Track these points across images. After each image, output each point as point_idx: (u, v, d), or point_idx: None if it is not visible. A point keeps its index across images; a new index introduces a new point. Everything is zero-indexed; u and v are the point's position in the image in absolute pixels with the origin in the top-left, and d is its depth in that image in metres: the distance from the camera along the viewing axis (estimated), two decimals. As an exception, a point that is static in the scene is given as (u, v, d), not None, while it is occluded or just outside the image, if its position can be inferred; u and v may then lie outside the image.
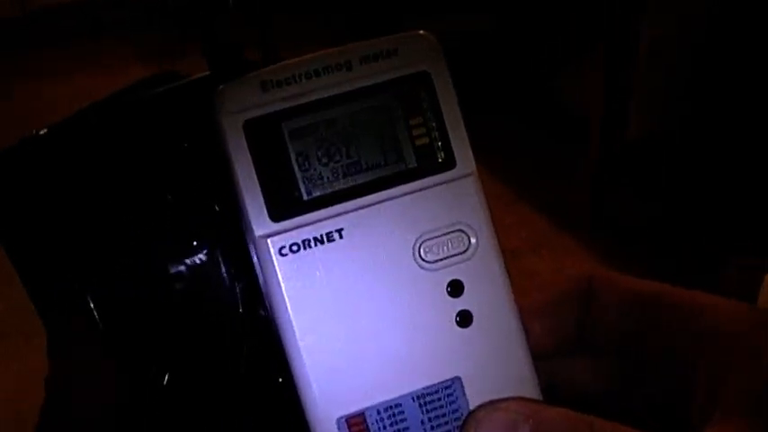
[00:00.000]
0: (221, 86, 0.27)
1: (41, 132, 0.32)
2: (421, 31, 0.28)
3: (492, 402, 0.27)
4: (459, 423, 0.27)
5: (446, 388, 0.27)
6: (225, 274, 0.31)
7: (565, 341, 0.30)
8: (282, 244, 0.27)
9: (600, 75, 1.48)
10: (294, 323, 0.27)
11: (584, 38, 1.58)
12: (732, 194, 1.39)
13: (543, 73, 1.94)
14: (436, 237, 0.27)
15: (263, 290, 0.27)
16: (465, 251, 0.28)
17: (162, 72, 0.34)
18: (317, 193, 0.27)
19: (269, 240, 0.27)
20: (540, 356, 0.28)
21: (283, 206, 0.27)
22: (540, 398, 0.28)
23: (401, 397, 0.27)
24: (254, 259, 0.27)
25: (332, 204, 0.27)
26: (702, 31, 1.44)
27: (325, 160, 0.27)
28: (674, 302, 0.28)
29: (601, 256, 1.49)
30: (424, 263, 0.27)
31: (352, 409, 0.27)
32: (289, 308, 0.27)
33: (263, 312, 0.29)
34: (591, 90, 1.51)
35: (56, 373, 0.32)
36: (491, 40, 2.17)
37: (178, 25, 2.44)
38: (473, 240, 0.28)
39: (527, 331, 0.28)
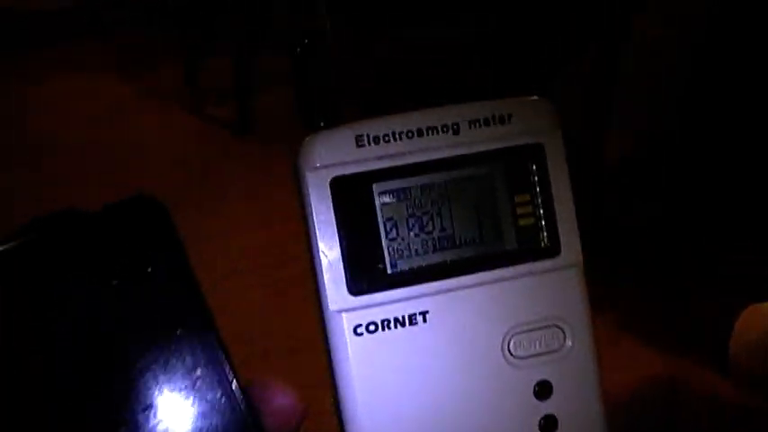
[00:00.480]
0: (310, 136, 0.24)
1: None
2: (536, 97, 0.25)
3: None
4: None
5: None
6: None
7: None
8: (359, 322, 0.24)
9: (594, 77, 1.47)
10: (359, 410, 0.24)
11: (580, 42, 1.59)
12: (731, 195, 1.39)
13: (539, 77, 1.95)
14: (529, 330, 0.25)
15: (331, 364, 0.24)
16: (558, 350, 0.25)
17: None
18: (403, 268, 0.24)
19: (344, 315, 0.24)
20: None
21: (365, 279, 0.24)
22: None
23: None
24: (326, 331, 0.24)
25: (419, 282, 0.24)
26: (700, 32, 1.44)
27: (416, 230, 0.25)
28: (757, 417, 0.27)
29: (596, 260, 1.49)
30: (512, 358, 0.25)
31: None
32: (356, 393, 0.24)
33: None
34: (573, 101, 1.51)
35: None
36: (485, 45, 2.17)
37: (159, 31, 2.43)
38: (569, 338, 0.25)
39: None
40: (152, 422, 0.23)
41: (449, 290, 0.24)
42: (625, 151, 1.55)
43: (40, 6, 2.48)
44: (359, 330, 0.24)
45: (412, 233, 0.24)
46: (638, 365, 1.11)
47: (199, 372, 0.23)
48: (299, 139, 0.25)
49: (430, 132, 0.24)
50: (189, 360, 0.23)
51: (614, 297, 1.39)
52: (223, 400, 0.22)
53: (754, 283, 1.13)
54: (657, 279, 1.35)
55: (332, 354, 0.24)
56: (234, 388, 0.22)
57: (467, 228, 0.25)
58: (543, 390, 0.25)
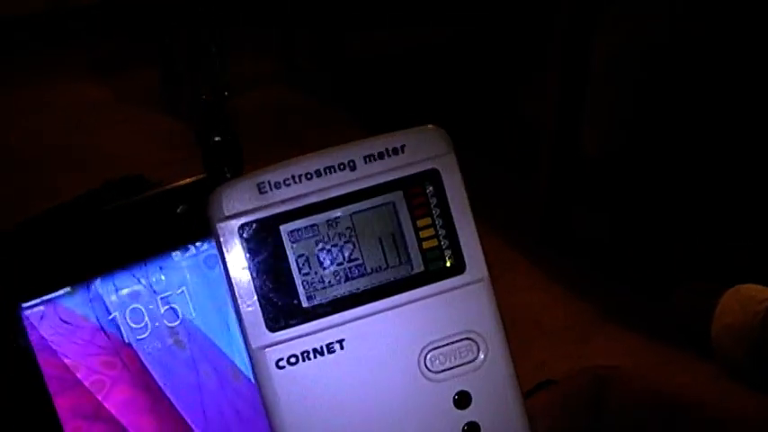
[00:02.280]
0: (216, 189, 0.25)
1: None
2: (430, 126, 0.26)
3: None
4: None
5: None
6: None
7: None
8: (280, 356, 0.25)
9: (554, 90, 1.48)
10: None
11: (544, 54, 1.59)
12: (687, 212, 1.41)
13: (503, 87, 1.95)
14: (443, 346, 0.26)
15: (261, 398, 0.26)
16: (473, 360, 0.26)
17: (129, 176, 0.33)
18: (318, 300, 0.25)
19: (266, 352, 0.25)
20: None
21: (281, 315, 0.25)
22: None
23: None
24: (252, 368, 0.26)
25: (333, 313, 0.25)
26: (663, 33, 1.45)
27: (326, 264, 0.26)
28: (693, 409, 0.27)
29: (556, 273, 1.48)
30: (430, 373, 0.26)
31: None
32: (286, 422, 0.25)
33: None
34: (546, 105, 1.51)
35: None
36: (448, 53, 2.18)
37: (130, 38, 2.42)
38: (482, 350, 0.26)
39: (535, 430, 0.27)
40: None
41: (363, 316, 0.25)
42: (600, 146, 1.56)
43: (10, 11, 2.45)
44: (281, 364, 0.25)
45: (323, 267, 0.25)
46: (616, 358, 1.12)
47: None
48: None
49: (328, 172, 0.25)
50: None
51: (593, 291, 1.41)
52: None
53: (734, 267, 1.14)
54: (638, 270, 1.37)
55: (260, 388, 0.25)
56: None
57: (375, 256, 0.26)
58: (463, 399, 0.26)
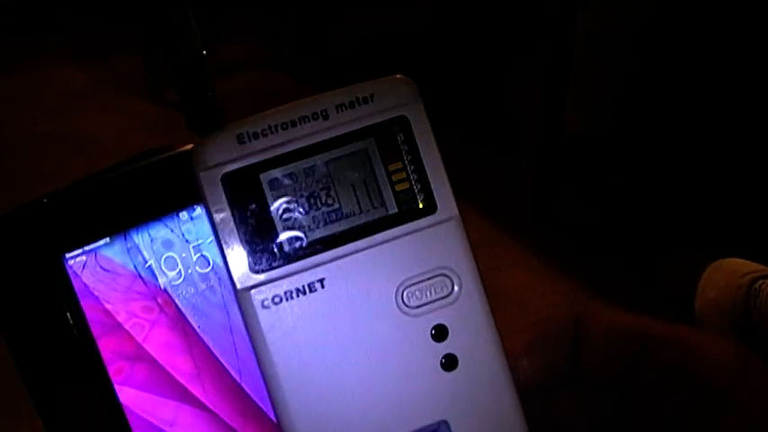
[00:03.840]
0: (199, 142, 0.27)
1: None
2: (398, 75, 0.27)
3: None
4: None
5: None
6: None
7: (554, 377, 0.29)
8: (264, 296, 0.27)
9: (539, 74, 1.50)
10: (279, 374, 0.26)
11: (528, 39, 1.61)
12: (675, 191, 1.43)
13: (487, 73, 1.97)
14: (419, 282, 0.27)
15: (250, 342, 0.27)
16: (448, 295, 0.27)
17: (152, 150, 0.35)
18: (297, 244, 0.27)
19: (251, 293, 0.27)
20: (529, 392, 0.28)
21: (264, 258, 0.27)
22: None
23: None
24: (240, 310, 0.27)
25: (313, 254, 0.27)
26: (641, 31, 1.47)
27: (305, 209, 0.27)
28: (661, 341, 0.28)
29: (542, 253, 1.51)
30: (407, 308, 0.27)
31: None
32: (273, 359, 0.26)
33: None
34: (532, 89, 1.53)
35: None
36: (433, 39, 2.19)
37: (114, 24, 2.40)
38: (456, 284, 0.27)
39: (515, 368, 0.28)
40: None
41: (341, 256, 0.27)
42: (584, 126, 1.58)
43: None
44: (265, 303, 0.26)
45: (301, 212, 0.27)
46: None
47: None
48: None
49: (302, 121, 0.27)
50: None
51: (578, 270, 1.43)
52: None
53: (717, 242, 1.16)
54: (599, 276, 1.39)
55: (248, 328, 0.27)
56: None
57: (350, 200, 0.27)
58: (440, 333, 0.27)
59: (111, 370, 0.33)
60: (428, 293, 0.27)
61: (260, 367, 0.27)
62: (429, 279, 0.27)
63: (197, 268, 0.34)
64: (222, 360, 0.34)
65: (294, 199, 0.27)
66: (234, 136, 0.26)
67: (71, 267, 0.33)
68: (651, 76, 1.48)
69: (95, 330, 0.33)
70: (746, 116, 1.36)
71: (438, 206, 0.27)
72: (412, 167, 0.27)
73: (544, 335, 0.30)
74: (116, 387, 0.33)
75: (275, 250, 0.27)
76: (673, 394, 0.27)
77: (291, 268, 0.27)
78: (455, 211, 0.27)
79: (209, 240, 0.34)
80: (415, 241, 0.27)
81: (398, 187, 0.27)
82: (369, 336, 0.27)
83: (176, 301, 0.34)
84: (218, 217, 0.26)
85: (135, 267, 0.33)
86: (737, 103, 1.38)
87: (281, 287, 0.27)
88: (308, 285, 0.27)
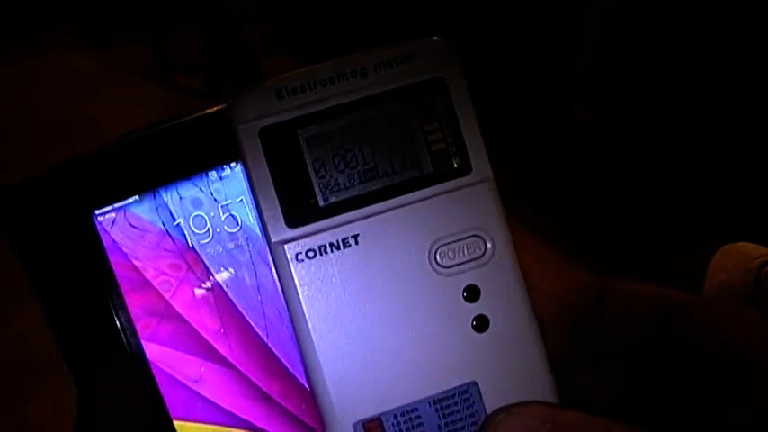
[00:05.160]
0: (238, 95, 0.27)
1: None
2: (435, 37, 0.28)
3: (509, 406, 0.27)
4: (476, 428, 0.27)
5: (463, 393, 0.27)
6: None
7: (577, 349, 0.30)
8: (299, 250, 0.27)
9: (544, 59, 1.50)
10: (310, 328, 0.27)
11: (532, 23, 1.61)
12: (679, 181, 1.43)
13: (490, 57, 1.97)
14: (452, 242, 0.27)
15: (283, 296, 0.27)
16: (481, 256, 0.27)
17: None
18: (332, 200, 0.27)
19: (285, 247, 0.27)
20: (553, 363, 0.28)
21: (299, 213, 0.27)
22: (557, 402, 0.27)
23: (418, 402, 0.27)
24: (274, 263, 0.27)
25: (347, 211, 0.27)
26: (644, 23, 1.47)
27: (341, 167, 0.27)
28: (687, 311, 0.28)
29: (544, 238, 1.51)
30: (439, 268, 0.27)
31: (369, 413, 0.27)
32: (305, 313, 0.27)
33: None
34: (536, 74, 1.53)
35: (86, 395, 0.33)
36: (436, 22, 2.19)
37: (119, 9, 2.40)
38: (489, 245, 0.27)
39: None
40: None
41: (375, 213, 0.27)
42: (590, 110, 1.58)
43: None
44: (300, 257, 0.27)
45: (337, 169, 0.27)
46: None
47: None
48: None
49: (340, 79, 0.27)
50: None
51: (582, 255, 1.44)
52: None
53: (727, 226, 1.16)
54: (626, 233, 1.40)
55: (281, 281, 0.27)
56: None
57: (386, 159, 0.27)
58: (471, 293, 0.27)
59: (139, 326, 0.33)
60: (461, 253, 0.27)
61: (292, 321, 0.27)
62: (462, 239, 0.27)
63: (225, 227, 0.34)
64: (249, 319, 0.34)
65: (330, 155, 0.27)
66: (273, 91, 0.27)
67: (100, 224, 0.33)
68: (650, 71, 1.47)
69: (124, 286, 0.33)
70: (749, 108, 1.36)
71: (473, 167, 0.27)
72: (448, 128, 0.27)
73: (568, 306, 0.30)
74: (143, 342, 0.33)
75: (310, 205, 0.27)
76: (699, 365, 0.27)
77: (326, 223, 0.27)
78: (489, 172, 0.27)
79: (238, 200, 0.34)
80: (449, 201, 0.27)
81: (434, 147, 0.27)
82: (401, 294, 0.27)
83: (204, 259, 0.34)
84: (254, 170, 0.27)
85: (163, 225, 0.34)
86: (741, 94, 1.38)
87: (315, 242, 0.27)
88: (342, 241, 0.27)
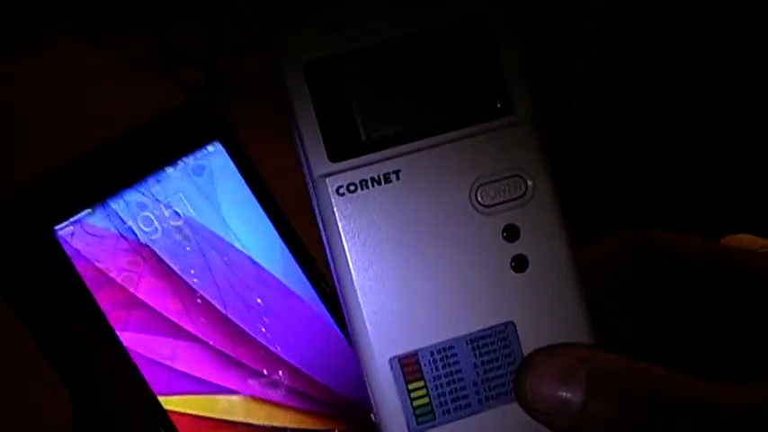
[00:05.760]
0: (282, 28, 0.27)
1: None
2: None
3: (549, 346, 0.27)
4: (513, 368, 0.27)
5: (500, 332, 0.27)
6: None
7: (612, 297, 0.29)
8: (340, 183, 0.27)
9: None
10: (350, 262, 0.27)
11: (531, 23, 1.62)
12: (678, 175, 1.43)
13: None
14: (493, 181, 0.27)
15: (321, 230, 0.27)
16: (522, 196, 0.27)
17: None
18: (375, 135, 0.27)
19: (327, 180, 0.27)
20: (591, 308, 0.28)
21: (342, 146, 0.27)
22: (595, 344, 0.27)
23: (454, 339, 0.27)
24: (313, 201, 0.27)
25: (390, 146, 0.27)
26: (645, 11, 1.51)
27: (384, 103, 0.27)
28: (724, 262, 0.28)
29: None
30: (480, 206, 0.27)
31: (406, 349, 0.27)
32: (345, 247, 0.27)
33: None
34: (535, 74, 1.57)
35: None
36: None
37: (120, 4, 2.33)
38: (530, 185, 0.27)
39: None
40: None
41: (417, 149, 0.27)
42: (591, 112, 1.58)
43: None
44: (341, 191, 0.27)
45: (381, 105, 0.27)
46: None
47: None
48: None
49: (385, 15, 0.27)
50: None
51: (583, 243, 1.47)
52: None
53: (729, 216, 1.19)
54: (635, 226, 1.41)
55: (321, 215, 0.27)
56: None
57: (429, 96, 0.27)
58: (511, 233, 0.27)
59: (111, 318, 0.37)
60: (502, 193, 0.27)
61: (331, 257, 0.27)
62: (503, 179, 0.27)
63: (171, 222, 0.39)
64: (206, 295, 0.39)
65: (374, 91, 0.27)
66: (317, 25, 0.26)
67: (62, 237, 0.37)
68: (650, 70, 1.50)
69: (91, 286, 0.37)
70: (749, 105, 1.39)
71: (515, 107, 0.27)
72: (491, 68, 0.27)
73: (604, 253, 0.30)
74: (118, 333, 0.37)
75: (353, 139, 0.27)
76: (735, 316, 0.27)
77: (368, 158, 0.27)
78: (531, 113, 0.27)
79: (176, 196, 0.39)
80: (491, 141, 0.27)
81: (477, 87, 0.27)
82: (441, 231, 0.27)
83: (157, 252, 0.39)
84: (298, 103, 0.26)
85: (116, 229, 0.38)
86: (741, 92, 1.41)
87: (356, 176, 0.27)
88: (384, 176, 0.27)
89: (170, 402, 0.38)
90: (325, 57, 0.26)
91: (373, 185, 0.27)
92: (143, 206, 0.39)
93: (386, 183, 0.27)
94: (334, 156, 0.27)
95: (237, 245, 0.40)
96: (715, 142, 1.48)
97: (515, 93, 0.27)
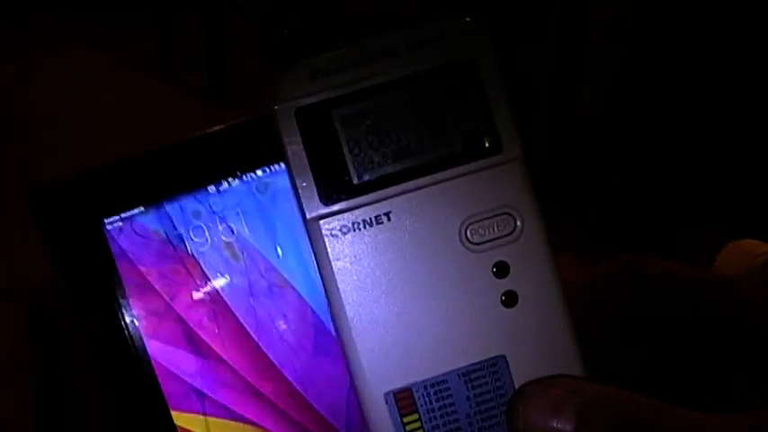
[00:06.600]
0: (273, 76, 0.28)
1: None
2: (467, 18, 0.28)
3: (538, 380, 0.27)
4: (505, 400, 0.28)
5: (491, 366, 0.28)
6: None
7: (607, 322, 0.30)
8: (333, 226, 0.28)
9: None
10: (344, 302, 0.28)
11: (534, 24, 1.62)
12: (679, 177, 1.41)
13: (501, 43, 1.98)
14: (482, 219, 0.28)
15: (318, 270, 0.28)
16: (511, 233, 0.28)
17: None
18: (366, 178, 0.28)
19: (320, 222, 0.28)
20: (580, 339, 0.28)
21: (334, 189, 0.27)
22: (585, 376, 0.28)
23: (447, 374, 0.28)
24: (309, 238, 0.28)
25: (381, 188, 0.28)
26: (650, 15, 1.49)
27: (374, 145, 0.28)
28: (719, 290, 0.28)
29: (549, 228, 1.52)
30: (470, 244, 0.28)
31: (400, 384, 0.28)
32: (339, 287, 0.28)
33: None
34: (538, 74, 1.54)
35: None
36: (450, 11, 2.20)
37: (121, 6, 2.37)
38: (519, 223, 0.28)
39: None
40: None
41: (407, 191, 0.28)
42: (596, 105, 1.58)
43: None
44: (334, 233, 0.28)
45: (371, 147, 0.28)
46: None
47: None
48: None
49: (372, 59, 0.27)
50: None
51: (586, 250, 1.45)
52: None
53: (733, 221, 1.17)
54: (631, 232, 1.40)
55: (316, 257, 0.28)
56: None
57: (418, 137, 0.28)
58: (501, 269, 0.28)
59: (142, 324, 0.36)
60: (491, 230, 0.28)
61: (326, 296, 0.28)
62: (492, 217, 0.28)
63: (222, 237, 0.38)
64: (242, 321, 0.38)
65: (364, 134, 0.28)
66: (307, 72, 0.27)
67: (109, 231, 0.36)
68: (651, 70, 1.49)
69: (129, 289, 0.36)
70: (750, 106, 1.38)
71: (503, 146, 0.28)
72: (479, 108, 0.28)
73: (599, 279, 0.31)
74: (145, 339, 0.36)
75: (345, 182, 0.28)
76: (730, 345, 0.27)
77: (360, 201, 0.28)
78: (519, 152, 0.28)
79: (234, 212, 0.38)
80: (480, 179, 0.28)
81: (465, 127, 0.28)
82: (432, 269, 0.28)
83: (202, 265, 0.37)
84: (290, 149, 0.27)
85: (166, 234, 0.37)
86: (742, 92, 1.40)
87: (349, 218, 0.28)
88: (375, 218, 0.28)
89: (181, 419, 0.37)
90: (315, 103, 0.27)
91: (365, 227, 0.28)
92: (198, 215, 0.37)
93: (377, 224, 0.28)
94: (327, 199, 0.27)
95: (285, 274, 0.38)
96: (715, 142, 1.44)
97: (503, 132, 0.28)
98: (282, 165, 0.37)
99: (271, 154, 0.38)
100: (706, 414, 0.25)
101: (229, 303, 0.38)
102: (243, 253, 0.38)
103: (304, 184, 0.27)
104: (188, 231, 0.37)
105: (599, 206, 1.51)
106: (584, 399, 0.25)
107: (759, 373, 0.26)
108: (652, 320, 0.29)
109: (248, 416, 0.38)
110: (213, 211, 0.38)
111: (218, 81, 2.04)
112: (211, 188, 0.38)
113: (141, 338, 0.36)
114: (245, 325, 0.38)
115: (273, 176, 0.38)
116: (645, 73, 1.58)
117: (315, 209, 0.28)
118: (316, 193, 0.27)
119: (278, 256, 0.38)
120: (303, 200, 0.27)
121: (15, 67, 2.23)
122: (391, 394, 0.28)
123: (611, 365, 0.29)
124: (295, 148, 0.27)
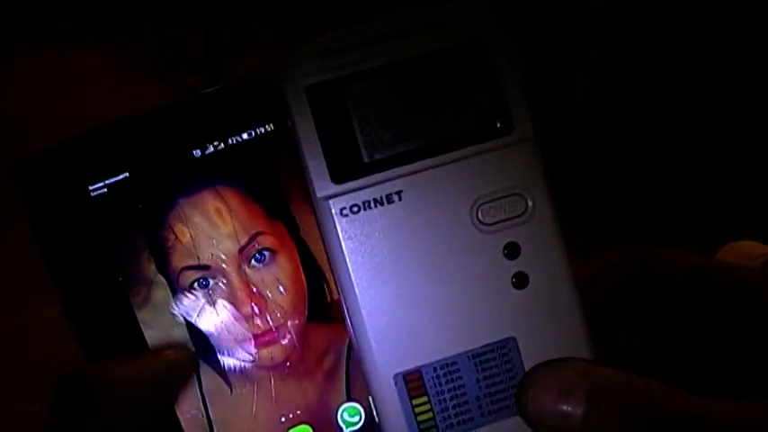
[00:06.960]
0: (286, 53, 0.27)
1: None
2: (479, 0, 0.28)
3: (548, 362, 0.27)
4: (514, 382, 0.28)
5: (501, 347, 0.28)
6: None
7: (611, 312, 0.30)
8: (343, 205, 0.27)
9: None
10: (354, 282, 0.27)
11: (532, 24, 1.62)
12: (679, 177, 1.41)
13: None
14: (494, 200, 0.28)
15: (326, 250, 0.28)
16: (522, 214, 0.28)
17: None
18: (377, 156, 0.27)
19: (330, 202, 0.27)
20: (589, 323, 0.28)
21: (345, 168, 0.27)
22: (595, 359, 0.28)
23: (457, 355, 0.28)
24: (318, 218, 0.28)
25: (391, 167, 0.27)
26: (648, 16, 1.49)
27: (385, 124, 0.27)
28: (724, 280, 0.28)
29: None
30: (481, 225, 0.28)
31: (409, 366, 0.27)
32: (349, 267, 0.27)
33: None
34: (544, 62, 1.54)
35: None
36: None
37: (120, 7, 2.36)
38: (530, 204, 0.28)
39: None
40: None
41: (419, 170, 0.27)
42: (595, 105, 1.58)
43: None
44: (344, 212, 0.27)
45: (382, 127, 0.27)
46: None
47: None
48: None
49: (383, 39, 0.27)
50: None
51: (584, 250, 1.45)
52: None
53: (730, 222, 1.17)
54: (631, 232, 1.39)
55: (324, 236, 0.28)
56: None
57: (429, 117, 0.28)
58: (512, 250, 0.28)
59: (132, 292, 0.36)
60: (502, 211, 0.28)
61: (335, 275, 0.28)
62: (504, 197, 0.28)
63: (210, 201, 0.37)
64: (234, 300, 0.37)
65: (375, 113, 0.27)
66: (318, 49, 0.27)
67: (96, 198, 0.36)
68: (651, 70, 1.49)
69: (118, 254, 0.36)
70: (750, 107, 1.38)
71: (515, 127, 0.28)
72: (491, 88, 0.27)
73: (603, 268, 0.31)
74: (135, 308, 0.36)
75: (355, 161, 0.27)
76: (732, 333, 0.27)
77: (370, 179, 0.27)
78: (531, 133, 0.28)
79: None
80: (492, 160, 0.28)
81: (477, 107, 0.28)
82: (442, 250, 0.27)
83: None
84: (301, 127, 0.27)
85: (153, 199, 0.36)
86: (742, 93, 1.39)
87: (359, 197, 0.27)
88: (386, 197, 0.27)
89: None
90: (326, 81, 0.27)
91: (375, 206, 0.27)
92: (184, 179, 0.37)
93: (388, 203, 0.27)
94: (337, 177, 0.27)
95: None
96: (715, 142, 1.44)
97: (515, 112, 0.28)
98: (269, 127, 0.37)
99: (258, 117, 0.37)
100: (720, 402, 0.24)
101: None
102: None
103: (314, 163, 0.27)
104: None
105: (599, 206, 1.51)
106: (595, 382, 0.25)
107: (759, 364, 0.26)
108: (654, 309, 0.29)
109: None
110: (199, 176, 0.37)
111: (217, 81, 2.05)
112: (197, 152, 0.37)
113: (131, 305, 0.36)
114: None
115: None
116: (644, 73, 1.58)
117: (325, 188, 0.27)
118: (326, 171, 0.27)
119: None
120: (313, 178, 0.27)
121: (15, 67, 2.22)
122: (401, 376, 0.27)
123: (614, 353, 0.29)
124: (305, 126, 0.27)
